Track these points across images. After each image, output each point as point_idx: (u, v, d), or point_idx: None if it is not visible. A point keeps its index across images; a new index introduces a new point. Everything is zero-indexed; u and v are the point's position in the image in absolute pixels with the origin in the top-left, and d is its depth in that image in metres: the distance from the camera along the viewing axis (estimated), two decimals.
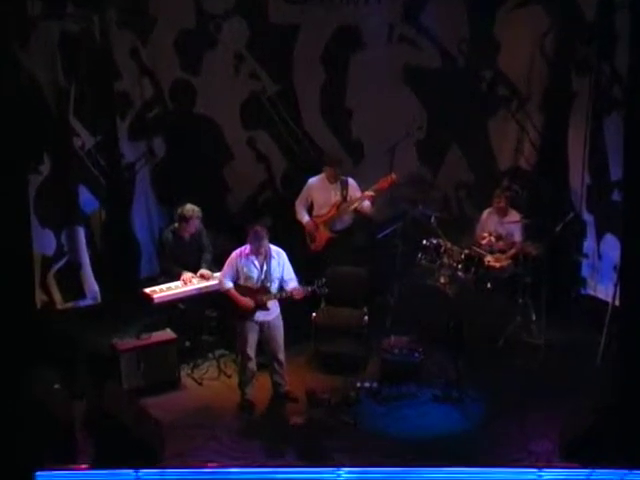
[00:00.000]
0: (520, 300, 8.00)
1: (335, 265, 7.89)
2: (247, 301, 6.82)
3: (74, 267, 8.30)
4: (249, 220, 8.92)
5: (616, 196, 7.99)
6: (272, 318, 6.95)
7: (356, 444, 6.53)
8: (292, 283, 6.91)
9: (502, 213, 8.25)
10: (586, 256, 8.49)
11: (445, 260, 8.03)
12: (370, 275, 8.06)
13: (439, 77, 8.83)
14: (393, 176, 8.08)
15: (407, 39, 8.76)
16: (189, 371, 7.56)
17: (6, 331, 5.89)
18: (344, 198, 8.23)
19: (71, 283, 8.30)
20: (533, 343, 7.83)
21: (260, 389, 7.12)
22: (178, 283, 7.58)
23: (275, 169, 9.22)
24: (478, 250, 8.07)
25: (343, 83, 8.93)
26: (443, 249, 8.05)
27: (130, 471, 5.91)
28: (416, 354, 7.37)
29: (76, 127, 8.24)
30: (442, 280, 8.05)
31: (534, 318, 8.01)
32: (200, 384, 7.44)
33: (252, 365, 6.98)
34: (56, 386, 6.64)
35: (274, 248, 6.92)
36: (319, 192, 8.30)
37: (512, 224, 8.14)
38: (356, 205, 8.21)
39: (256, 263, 6.85)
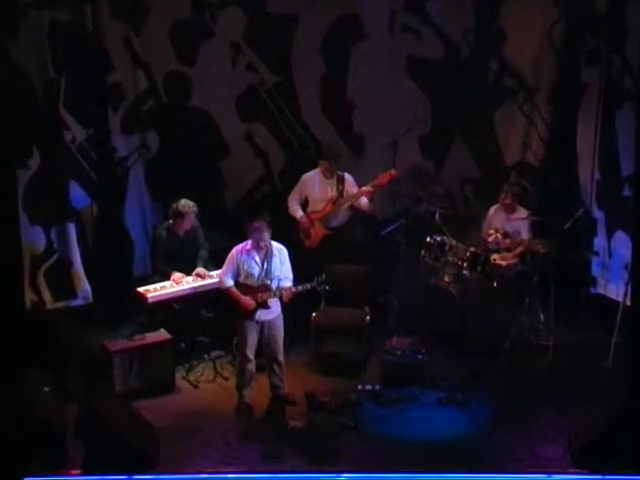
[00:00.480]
0: (527, 300, 7.98)
1: (332, 263, 7.85)
2: (248, 300, 6.79)
3: (64, 265, 8.27)
4: (246, 217, 8.88)
5: (627, 192, 7.99)
6: (273, 317, 6.93)
7: (357, 449, 6.52)
8: (287, 282, 6.89)
9: (509, 209, 8.23)
10: (596, 254, 8.48)
11: (450, 258, 8.02)
12: (372, 274, 8.05)
13: (443, 68, 8.81)
14: (393, 171, 8.05)
15: (410, 29, 8.74)
16: (184, 373, 7.55)
17: None
18: (340, 194, 8.20)
19: (61, 282, 8.28)
20: (541, 344, 7.82)
21: (258, 392, 7.11)
22: (172, 282, 7.55)
23: (273, 164, 9.19)
24: (484, 248, 8.04)
25: (344, 75, 8.90)
26: (448, 247, 8.04)
27: (123, 477, 5.91)
28: (419, 356, 7.36)
29: (67, 120, 8.21)
30: (446, 279, 8.05)
31: (542, 318, 8.00)
32: (196, 387, 7.43)
33: (251, 367, 6.96)
34: (46, 389, 6.63)
35: (276, 245, 6.89)
36: (314, 187, 8.27)
37: (519, 221, 8.11)
38: (352, 202, 8.16)
39: (257, 259, 6.82)
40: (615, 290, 8.15)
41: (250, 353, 6.91)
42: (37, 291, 8.20)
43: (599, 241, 8.44)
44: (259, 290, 6.82)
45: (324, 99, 8.96)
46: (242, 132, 9.05)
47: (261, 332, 6.92)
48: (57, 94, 8.03)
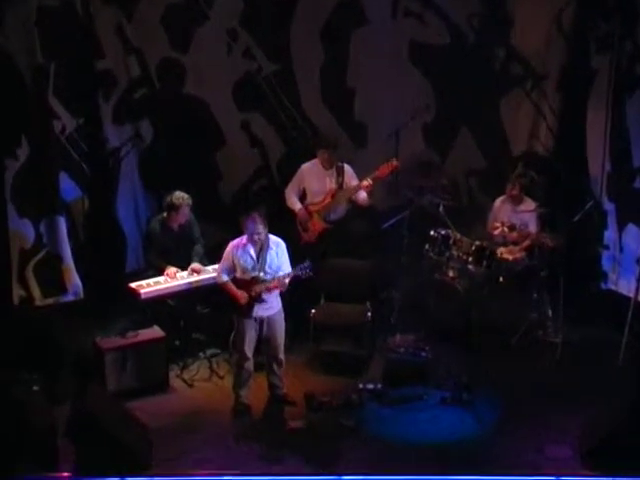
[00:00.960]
0: (535, 295, 7.98)
1: (332, 257, 7.83)
2: (241, 294, 6.78)
3: (54, 260, 8.25)
4: (243, 209, 8.86)
5: (639, 183, 7.97)
6: (273, 313, 6.91)
7: (358, 450, 6.51)
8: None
9: (516, 201, 8.22)
10: (607, 248, 8.47)
11: (454, 252, 8.01)
12: (373, 268, 8.04)
13: (448, 55, 8.80)
14: (394, 162, 8.03)
15: (413, 13, 8.72)
16: (179, 372, 7.54)
17: None
18: (340, 186, 8.18)
19: (51, 277, 8.26)
20: (549, 341, 7.82)
21: (256, 391, 7.10)
22: (167, 277, 7.54)
23: (271, 155, 9.18)
24: (490, 241, 8.02)
25: (344, 62, 8.88)
26: (452, 240, 8.03)
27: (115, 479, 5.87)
28: (423, 353, 7.36)
29: (56, 109, 8.19)
30: (451, 274, 8.04)
31: (550, 314, 7.99)
32: (190, 386, 7.42)
33: (249, 365, 6.95)
34: (35, 388, 6.62)
35: (273, 238, 6.87)
36: (313, 178, 8.25)
37: (527, 213, 8.10)
38: (352, 194, 8.14)
39: (252, 253, 6.81)
40: (626, 285, 8.14)
41: (248, 351, 6.90)
42: (26, 287, 8.19)
43: (610, 234, 8.42)
44: (251, 284, 6.80)
45: (324, 87, 8.94)
46: (239, 121, 9.03)
47: (260, 329, 6.90)
48: (46, 82, 8.01)
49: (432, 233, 8.09)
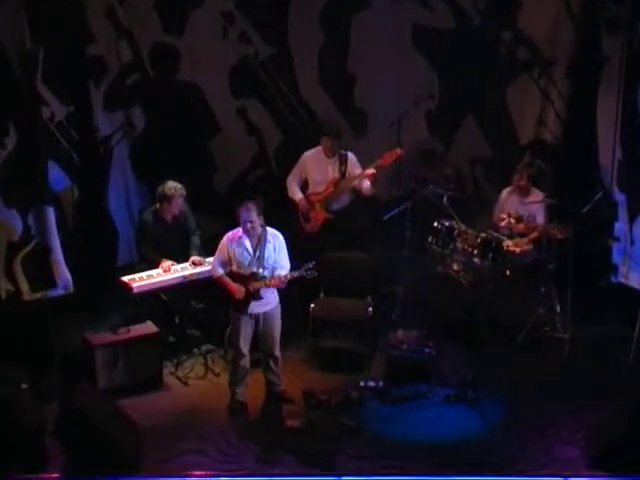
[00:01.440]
0: (543, 289, 7.97)
1: (334, 249, 7.82)
2: (237, 288, 6.76)
3: (43, 253, 8.25)
4: (239, 200, 8.85)
5: None
6: (269, 309, 6.91)
7: (359, 450, 6.50)
8: (282, 271, 6.84)
9: (523, 192, 8.20)
10: (617, 240, 8.47)
11: (459, 245, 8.00)
12: (375, 261, 8.03)
13: (452, 39, 8.79)
14: (398, 151, 8.02)
15: None
16: (173, 369, 7.54)
17: None
18: (343, 175, 8.18)
19: (40, 271, 8.26)
20: (557, 338, 7.81)
21: (253, 389, 7.10)
22: (160, 270, 7.54)
23: (268, 143, 9.17)
24: (496, 233, 8.02)
25: (344, 46, 8.87)
26: (457, 232, 8.02)
27: None
28: (426, 350, 7.36)
29: (45, 96, 8.19)
30: (455, 267, 8.03)
31: (559, 310, 7.98)
32: (185, 383, 7.42)
33: (245, 362, 6.95)
34: (23, 386, 6.62)
35: (270, 231, 6.85)
36: (315, 167, 8.24)
37: (534, 204, 8.09)
38: (355, 183, 8.13)
39: (248, 246, 6.79)
40: (637, 279, 8.17)
41: (244, 347, 6.89)
42: (13, 280, 8.19)
43: (620, 226, 8.43)
44: (249, 279, 6.79)
45: (323, 72, 8.93)
46: (234, 108, 9.03)
47: (256, 325, 6.90)
48: (34, 68, 7.99)
49: (436, 225, 8.08)
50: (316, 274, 6.81)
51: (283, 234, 6.95)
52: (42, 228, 8.20)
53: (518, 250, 8.01)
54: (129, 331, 7.30)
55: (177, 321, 7.75)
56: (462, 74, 8.76)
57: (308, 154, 8.29)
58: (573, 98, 8.73)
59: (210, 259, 7.54)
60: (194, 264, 7.61)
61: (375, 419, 6.85)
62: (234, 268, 6.85)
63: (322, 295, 7.84)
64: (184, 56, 8.79)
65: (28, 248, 8.21)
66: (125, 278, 7.50)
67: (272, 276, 6.79)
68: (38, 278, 8.27)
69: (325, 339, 7.73)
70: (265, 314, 6.89)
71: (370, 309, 7.69)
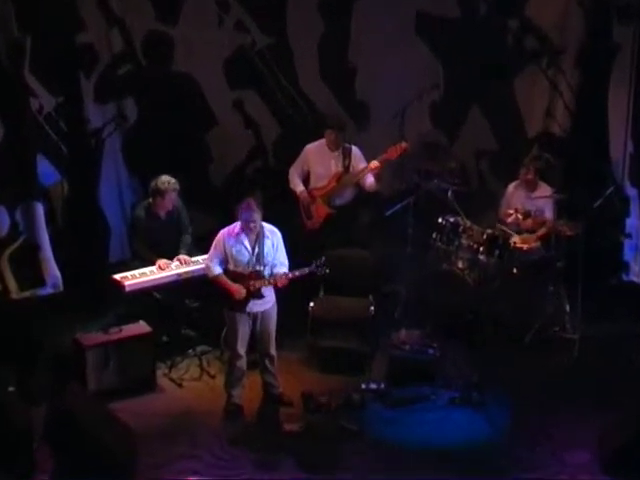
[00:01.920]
0: (551, 288, 7.98)
1: (334, 246, 7.81)
2: (238, 288, 6.74)
3: (32, 250, 8.22)
4: (235, 195, 8.82)
5: None
6: (268, 307, 6.90)
7: (360, 455, 6.49)
8: (282, 268, 6.83)
9: (531, 186, 8.20)
10: (629, 236, 8.49)
11: (464, 241, 8.01)
12: (376, 259, 8.03)
13: (457, 28, 8.79)
14: (404, 144, 8.02)
15: None
16: (166, 370, 7.53)
17: None
18: (346, 169, 8.17)
19: (28, 268, 8.23)
20: (566, 338, 7.81)
21: (249, 391, 7.09)
22: (153, 268, 7.55)
23: (266, 135, 9.18)
24: (502, 230, 8.01)
25: (345, 35, 8.88)
26: (461, 228, 8.03)
27: None
28: (430, 350, 7.36)
29: (33, 87, 8.17)
30: (460, 265, 8.04)
31: (568, 309, 7.98)
32: (179, 385, 7.42)
33: (241, 364, 6.94)
34: (11, 388, 6.61)
35: (267, 227, 6.83)
36: (318, 160, 8.24)
37: (542, 199, 8.09)
38: (359, 178, 8.12)
39: (247, 244, 6.77)
40: None
41: (241, 348, 6.88)
42: (0, 279, 8.16)
43: (632, 222, 8.45)
44: (250, 277, 6.77)
45: (323, 63, 8.94)
46: (231, 100, 9.04)
47: (253, 324, 6.88)
48: (22, 57, 7.97)
49: (440, 220, 8.09)
50: (327, 270, 6.81)
51: (282, 230, 6.93)
52: (30, 224, 8.16)
53: (525, 247, 8.01)
54: (121, 331, 7.29)
55: (171, 321, 7.75)
56: (468, 64, 8.78)
57: (311, 147, 8.29)
58: (583, 89, 8.74)
59: (200, 257, 7.55)
60: (180, 262, 7.58)
61: (377, 422, 6.84)
62: (231, 267, 6.82)
63: (322, 293, 7.84)
64: (178, 45, 8.79)
65: (16, 245, 8.18)
66: (117, 276, 7.48)
67: (274, 274, 6.77)
68: (26, 276, 8.24)
69: (325, 339, 7.72)
70: (263, 313, 6.88)
71: (372, 308, 7.68)
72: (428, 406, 7.03)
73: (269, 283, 6.78)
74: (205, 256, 7.44)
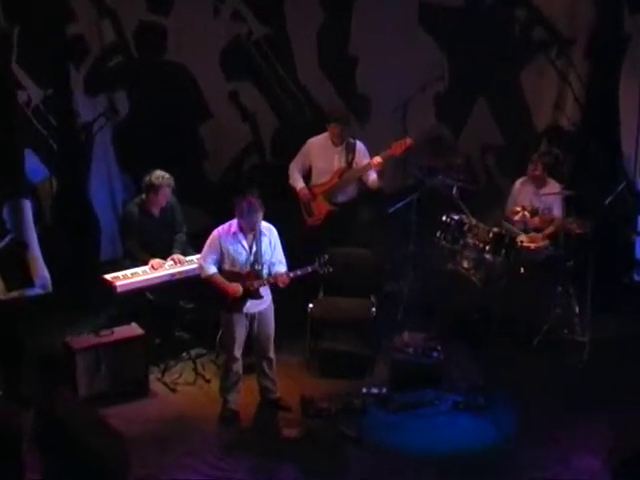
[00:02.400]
0: (560, 288, 7.97)
1: (336, 245, 7.81)
2: (235, 286, 6.73)
3: (19, 249, 8.21)
4: (235, 191, 8.83)
5: None
6: (265, 307, 6.90)
7: (361, 462, 6.50)
8: (281, 267, 6.83)
9: (539, 183, 8.21)
10: None
11: (469, 240, 8.00)
12: (378, 258, 8.03)
13: (462, 17, 8.79)
14: (408, 140, 8.00)
15: None
16: (159, 374, 7.53)
17: None
18: (349, 165, 8.17)
19: (16, 268, 8.21)
20: (576, 340, 7.81)
21: (246, 396, 7.09)
22: (146, 268, 7.54)
23: (263, 129, 9.20)
24: (509, 228, 8.01)
25: (346, 25, 8.88)
26: (467, 227, 8.03)
27: None
28: (434, 353, 7.36)
29: (21, 79, 8.19)
30: (465, 264, 8.04)
31: (577, 310, 7.97)
32: (173, 390, 7.42)
33: (238, 367, 6.94)
34: None
35: (264, 224, 6.83)
36: (320, 155, 8.24)
37: (551, 196, 8.10)
38: (361, 174, 8.12)
39: (244, 243, 6.76)
40: None
41: (238, 351, 6.88)
42: None
43: None
44: (248, 277, 6.76)
45: (322, 53, 8.95)
46: (226, 92, 9.05)
47: (250, 326, 6.88)
48: (9, 48, 7.99)
49: (444, 218, 8.07)
50: (331, 269, 6.82)
51: (281, 227, 6.93)
52: (18, 222, 8.17)
53: (533, 246, 8.02)
54: (112, 333, 7.29)
55: (164, 323, 7.75)
56: (473, 55, 8.78)
57: (314, 140, 8.28)
58: (593, 81, 8.74)
59: (193, 257, 7.55)
60: (174, 262, 7.58)
61: (378, 428, 6.84)
62: (227, 266, 6.80)
63: (321, 294, 7.84)
64: (171, 36, 8.79)
65: (2, 244, 8.18)
66: (108, 276, 7.47)
67: (274, 273, 6.77)
68: (14, 276, 8.21)
69: (324, 341, 7.76)
70: (260, 313, 6.88)
71: (373, 309, 7.68)
72: (432, 411, 7.03)
73: (269, 282, 6.78)
74: (197, 256, 7.46)
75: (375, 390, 7.15)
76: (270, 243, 6.81)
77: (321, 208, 8.25)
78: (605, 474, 6.20)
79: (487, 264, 7.96)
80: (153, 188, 7.62)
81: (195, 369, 7.59)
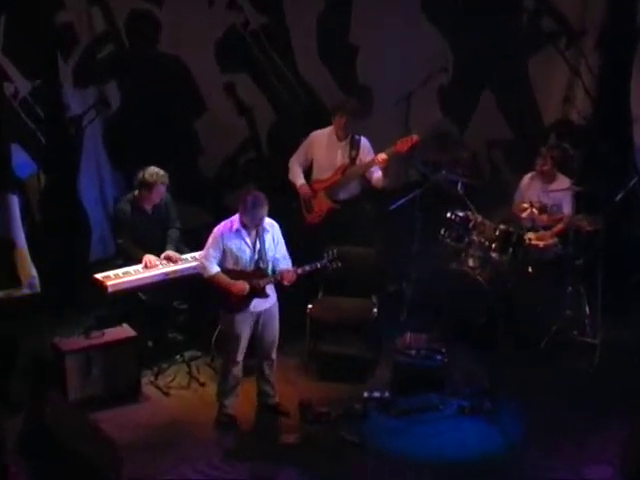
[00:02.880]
0: (570, 288, 7.96)
1: (336, 243, 7.80)
2: (241, 284, 6.69)
3: (6, 247, 8.22)
4: (227, 188, 8.86)
5: None
6: (271, 305, 6.89)
7: (362, 469, 6.49)
8: (286, 263, 6.82)
9: (547, 178, 8.20)
10: None
11: (475, 238, 8.01)
12: (380, 256, 8.02)
13: (468, 6, 8.79)
14: (415, 137, 7.99)
15: None
16: (152, 378, 7.53)
17: None
18: (352, 161, 8.15)
19: (3, 267, 8.23)
20: (586, 343, 7.81)
21: (242, 400, 7.08)
22: (138, 267, 7.53)
23: (260, 123, 9.20)
24: (516, 225, 8.00)
25: (346, 13, 8.89)
26: (472, 224, 8.03)
27: None
28: (438, 356, 7.35)
29: (7, 69, 8.18)
30: (471, 263, 8.05)
31: (587, 311, 7.98)
32: (166, 394, 7.42)
33: (238, 371, 6.93)
34: None
35: (266, 220, 6.80)
36: (323, 149, 8.23)
37: (560, 192, 8.09)
38: (364, 171, 8.11)
39: (248, 240, 6.74)
40: None
41: (240, 353, 6.84)
42: None
43: None
44: (253, 276, 6.74)
45: (322, 44, 8.94)
46: (222, 84, 9.05)
47: (255, 325, 6.85)
48: None
49: (449, 215, 8.08)
50: (340, 264, 6.81)
51: (279, 225, 6.92)
52: (4, 219, 8.16)
53: (541, 244, 8.02)
54: (103, 335, 7.29)
55: (157, 324, 7.74)
56: (479, 45, 8.77)
57: (316, 134, 8.27)
58: (604, 73, 8.74)
59: (189, 255, 7.54)
60: (168, 260, 7.57)
61: (380, 434, 6.84)
62: (230, 265, 6.77)
63: (321, 294, 7.83)
64: (165, 25, 8.78)
65: None
66: (99, 275, 7.45)
67: (280, 270, 6.76)
68: (0, 275, 8.25)
69: (324, 343, 7.76)
70: (266, 311, 6.86)
71: (375, 310, 7.67)
72: (436, 416, 7.03)
73: (274, 280, 6.77)
74: (195, 254, 7.45)
75: (377, 394, 7.14)
76: (273, 239, 6.80)
77: (322, 205, 8.24)
78: None
79: (493, 263, 7.96)
80: (147, 186, 7.60)
81: (189, 372, 7.58)
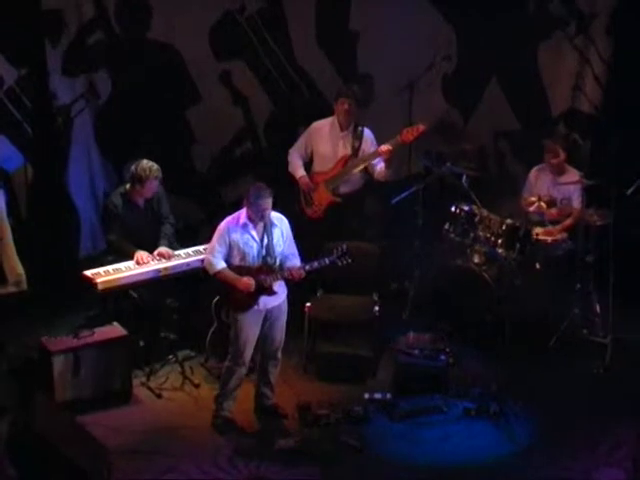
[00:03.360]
0: (579, 285, 7.98)
1: (336, 238, 7.80)
2: (247, 280, 6.67)
3: None
4: (222, 181, 8.86)
5: None
6: (281, 301, 6.89)
7: (363, 474, 6.49)
8: (295, 259, 6.83)
9: (556, 171, 8.21)
10: None
11: (480, 233, 8.02)
12: (381, 253, 8.00)
13: None
14: (421, 127, 7.96)
15: None
16: (144, 379, 7.53)
17: None
18: (355, 152, 8.14)
19: None
20: (596, 342, 7.81)
21: (238, 402, 7.05)
22: (130, 264, 7.53)
23: (256, 113, 9.19)
24: (524, 220, 7.99)
25: None
26: (478, 219, 8.04)
27: None
28: (442, 356, 7.35)
29: None
30: (476, 259, 8.07)
31: (598, 309, 7.99)
32: (158, 396, 7.41)
33: (242, 373, 6.91)
34: None
35: (274, 214, 6.79)
36: (324, 140, 8.22)
37: (569, 185, 8.09)
38: (367, 163, 8.10)
39: (255, 235, 6.73)
40: None
41: (247, 354, 6.83)
42: None
43: None
44: (261, 272, 6.73)
45: (321, 30, 8.93)
46: (217, 73, 9.05)
47: (263, 323, 6.84)
48: None
49: (453, 209, 8.09)
50: (350, 260, 6.80)
51: None
52: None
53: (550, 239, 8.04)
54: (93, 334, 7.28)
55: (149, 323, 7.73)
56: (485, 32, 8.77)
57: (317, 124, 8.26)
58: (615, 60, 8.74)
59: (182, 251, 7.54)
60: (161, 256, 7.57)
61: (382, 437, 6.84)
62: (236, 261, 6.75)
63: (320, 292, 7.83)
64: (157, 11, 8.77)
65: None
66: (88, 272, 7.46)
67: (288, 266, 6.75)
68: None
69: (324, 343, 7.76)
70: (275, 308, 6.85)
71: (376, 308, 7.67)
72: (440, 419, 7.03)
73: (283, 277, 6.76)
74: (188, 249, 7.45)
75: (378, 396, 7.14)
76: (282, 234, 6.79)
77: (322, 198, 8.22)
78: None
79: (500, 259, 7.96)
80: (139, 180, 7.59)
81: (183, 373, 7.58)
